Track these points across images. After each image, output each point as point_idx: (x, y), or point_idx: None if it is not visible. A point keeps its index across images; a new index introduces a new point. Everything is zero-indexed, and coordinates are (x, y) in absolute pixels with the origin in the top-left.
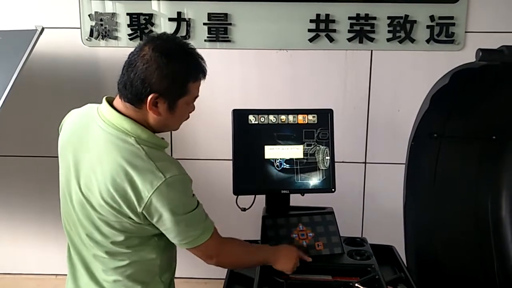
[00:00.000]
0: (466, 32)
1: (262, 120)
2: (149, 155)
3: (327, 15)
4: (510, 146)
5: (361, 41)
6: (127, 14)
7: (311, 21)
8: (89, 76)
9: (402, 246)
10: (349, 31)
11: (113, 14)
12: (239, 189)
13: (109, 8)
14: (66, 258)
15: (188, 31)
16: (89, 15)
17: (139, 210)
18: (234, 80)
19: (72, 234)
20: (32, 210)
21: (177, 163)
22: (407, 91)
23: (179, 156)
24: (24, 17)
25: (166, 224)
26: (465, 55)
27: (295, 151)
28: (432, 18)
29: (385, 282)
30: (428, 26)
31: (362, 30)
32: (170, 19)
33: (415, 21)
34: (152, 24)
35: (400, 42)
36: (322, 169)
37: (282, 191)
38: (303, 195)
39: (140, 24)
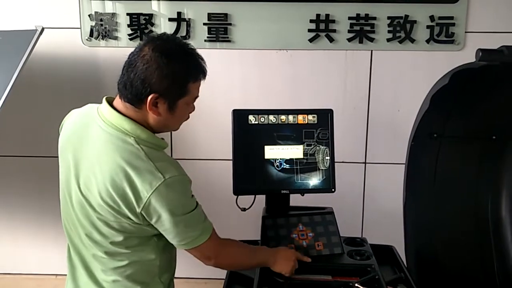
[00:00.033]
0: (466, 32)
1: (262, 120)
2: (149, 156)
3: (327, 15)
4: (510, 146)
5: (361, 41)
6: (127, 14)
7: (311, 21)
8: (89, 76)
9: (402, 246)
10: (349, 31)
11: (113, 14)
12: (239, 189)
13: (109, 8)
14: (66, 258)
15: (188, 31)
16: (89, 15)
17: (138, 210)
18: (234, 80)
19: (71, 234)
20: (32, 210)
21: (177, 163)
22: (407, 91)
23: (179, 156)
24: (24, 17)
25: (165, 224)
26: (465, 55)
27: (295, 151)
28: (432, 18)
29: (385, 282)
30: (428, 26)
31: (362, 30)
32: (170, 19)
33: (415, 21)
34: (152, 24)
35: (400, 42)
36: (322, 169)
37: (282, 191)
38: (303, 195)
39: (140, 24)
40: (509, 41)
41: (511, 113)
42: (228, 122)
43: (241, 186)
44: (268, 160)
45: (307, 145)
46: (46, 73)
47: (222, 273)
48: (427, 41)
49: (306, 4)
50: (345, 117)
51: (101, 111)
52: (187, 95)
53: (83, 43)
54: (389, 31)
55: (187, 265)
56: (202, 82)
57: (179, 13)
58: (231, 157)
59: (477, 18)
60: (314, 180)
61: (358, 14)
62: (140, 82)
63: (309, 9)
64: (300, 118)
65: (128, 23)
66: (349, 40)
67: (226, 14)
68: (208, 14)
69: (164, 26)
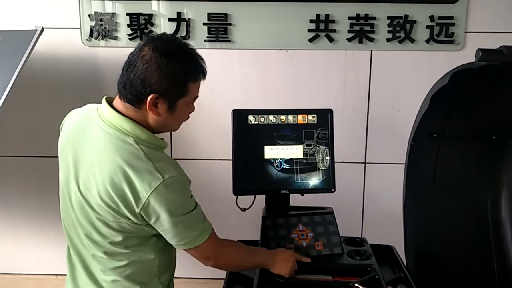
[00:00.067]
0: (466, 32)
1: (262, 120)
2: (148, 156)
3: (327, 15)
4: (510, 146)
5: (361, 41)
6: (127, 14)
7: (311, 21)
8: (89, 76)
9: (402, 246)
10: (349, 31)
11: (113, 14)
12: (239, 189)
13: (109, 8)
14: (65, 258)
15: (188, 31)
16: (89, 15)
17: (137, 210)
18: (234, 80)
19: (71, 234)
20: (32, 210)
21: (176, 164)
22: (407, 91)
23: (179, 156)
24: (24, 17)
25: (164, 225)
26: (465, 55)
27: (295, 151)
28: (432, 18)
29: (385, 282)
30: (428, 26)
31: (362, 30)
32: (170, 19)
33: (415, 21)
34: (152, 24)
35: (400, 42)
36: (322, 169)
37: (282, 191)
38: (303, 195)
39: (140, 24)
40: (509, 41)
41: (511, 113)
42: (228, 122)
43: (241, 186)
44: (268, 160)
45: (307, 145)
46: (46, 73)
47: (222, 273)
48: (427, 41)
49: (306, 4)
50: (345, 117)
51: (101, 111)
52: (187, 95)
53: (83, 43)
54: (389, 31)
55: (187, 265)
56: (202, 82)
57: (179, 13)
58: (231, 157)
59: (477, 18)
60: (314, 180)
61: (358, 14)
62: (140, 82)
63: (309, 9)
64: (300, 118)
65: (128, 23)
66: (349, 40)
67: (226, 14)
68: (208, 14)
69: (164, 26)
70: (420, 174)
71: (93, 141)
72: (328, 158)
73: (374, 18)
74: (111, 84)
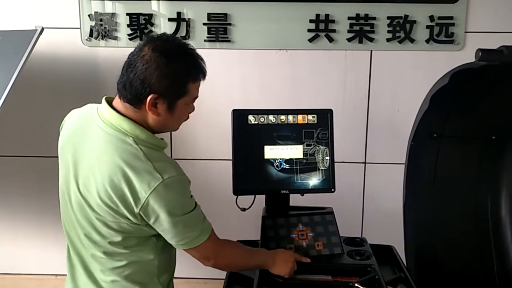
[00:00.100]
0: (465, 32)
1: (262, 120)
2: (147, 156)
3: (327, 15)
4: (510, 146)
5: (360, 41)
6: (127, 14)
7: (311, 21)
8: (89, 76)
9: (402, 246)
10: (348, 31)
11: (113, 14)
12: (239, 189)
13: (109, 8)
14: (65, 258)
15: (187, 31)
16: (89, 15)
17: (136, 210)
18: (234, 80)
19: (71, 234)
20: (32, 210)
21: (176, 164)
22: (406, 91)
23: (179, 156)
24: (24, 17)
25: (164, 225)
26: (465, 55)
27: (295, 151)
28: (431, 18)
29: (385, 282)
30: (427, 26)
31: (361, 30)
32: (170, 19)
33: (414, 21)
34: (152, 24)
35: (400, 42)
36: (321, 169)
37: (282, 191)
38: (302, 195)
39: (140, 24)
40: (508, 41)
41: (511, 113)
42: (228, 122)
43: (241, 186)
44: (268, 160)
45: (307, 145)
46: (46, 73)
47: (222, 274)
48: (427, 41)
49: (306, 4)
50: (345, 117)
51: (100, 111)
52: (187, 95)
53: (83, 43)
54: (388, 31)
55: (187, 265)
56: (201, 82)
57: (178, 13)
58: (231, 157)
59: (477, 18)
60: (314, 180)
61: (357, 14)
62: (139, 82)
63: (309, 9)
64: (300, 118)
65: (128, 23)
66: (349, 40)
67: (226, 14)
68: (208, 14)
69: (163, 26)
70: (420, 174)
71: (92, 141)
72: (328, 158)
73: (374, 18)
74: (111, 84)
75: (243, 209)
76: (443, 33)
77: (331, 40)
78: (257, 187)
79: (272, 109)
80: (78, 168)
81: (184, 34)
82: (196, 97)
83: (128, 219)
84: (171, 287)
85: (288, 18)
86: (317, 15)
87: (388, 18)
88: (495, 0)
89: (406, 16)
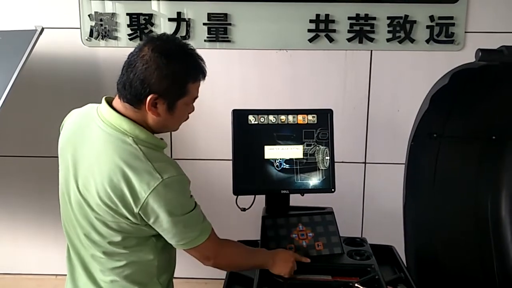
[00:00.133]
0: (465, 32)
1: (262, 120)
2: (147, 156)
3: (327, 15)
4: (510, 146)
5: (360, 41)
6: (127, 14)
7: (311, 21)
8: (89, 76)
9: (402, 246)
10: (348, 31)
11: (113, 14)
12: (239, 189)
13: (109, 8)
14: (65, 258)
15: (188, 31)
16: (89, 15)
17: (136, 210)
18: (234, 80)
19: (71, 234)
20: (32, 210)
21: (175, 164)
22: (406, 91)
23: (179, 157)
24: (24, 17)
25: (163, 225)
26: (465, 55)
27: (295, 151)
28: (431, 18)
29: (385, 282)
30: (428, 26)
31: (361, 30)
32: (170, 19)
33: (414, 21)
34: (152, 24)
35: (400, 42)
36: (322, 169)
37: (282, 191)
38: (303, 195)
39: (140, 24)
40: (509, 41)
41: (511, 113)
42: (228, 122)
43: (241, 186)
44: (268, 160)
45: (307, 145)
46: (46, 73)
47: (222, 273)
48: (427, 41)
49: (306, 4)
50: (345, 117)
51: (100, 111)
52: (187, 95)
53: (83, 43)
54: (388, 31)
55: (187, 265)
56: (201, 82)
57: (179, 13)
58: (231, 157)
59: (477, 18)
60: (314, 180)
61: (357, 14)
62: (139, 82)
63: (309, 9)
64: (300, 118)
65: (128, 23)
66: (349, 40)
67: (226, 14)
68: (208, 14)
69: (164, 26)
70: (420, 174)
71: (92, 141)
72: (328, 158)
73: (374, 18)
74: (111, 84)
75: (243, 209)
76: (443, 33)
77: (331, 40)
78: (257, 187)
79: (272, 109)
80: (78, 168)
81: (184, 34)
82: (196, 97)
83: (128, 219)
84: (171, 287)
85: (288, 18)
86: (317, 15)
87: (388, 18)
88: (495, 0)
89: (406, 16)
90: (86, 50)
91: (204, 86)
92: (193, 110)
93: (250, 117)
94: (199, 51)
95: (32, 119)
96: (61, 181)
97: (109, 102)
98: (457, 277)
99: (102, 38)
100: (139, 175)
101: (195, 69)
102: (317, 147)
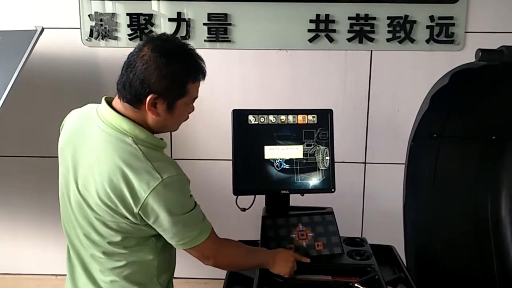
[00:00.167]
0: (466, 32)
1: (262, 120)
2: (147, 156)
3: (327, 15)
4: (510, 146)
5: (360, 41)
6: (127, 14)
7: (311, 21)
8: (89, 76)
9: (402, 246)
10: (348, 31)
11: (113, 14)
12: (239, 189)
13: (109, 8)
14: (65, 258)
15: (188, 31)
16: (89, 15)
17: (136, 210)
18: (234, 80)
19: (71, 235)
20: (32, 210)
21: (175, 163)
22: (406, 91)
23: (179, 157)
24: (24, 17)
25: (163, 224)
26: (465, 55)
27: (295, 151)
28: (432, 18)
29: (385, 282)
30: (428, 26)
31: (362, 30)
32: (170, 19)
33: (414, 21)
34: (152, 25)
35: (400, 42)
36: (322, 169)
37: (282, 191)
38: (303, 195)
39: (140, 24)
40: (508, 41)
41: (511, 113)
42: (228, 122)
43: (241, 186)
44: (268, 160)
45: (307, 145)
46: (46, 73)
47: (222, 273)
48: (427, 41)
49: (306, 4)
50: (345, 117)
51: (100, 111)
52: (186, 95)
53: (83, 43)
54: (389, 31)
55: (187, 265)
56: (201, 82)
57: (179, 13)
58: (231, 157)
59: (477, 18)
60: (314, 180)
61: (358, 14)
62: (139, 82)
63: (309, 9)
64: (300, 118)
65: (128, 23)
66: (349, 40)
67: (226, 14)
68: (208, 14)
69: (164, 26)
70: (420, 174)
71: (92, 141)
72: (328, 158)
73: (374, 18)
74: (111, 84)
75: (243, 209)
76: (443, 33)
77: (331, 40)
78: (257, 187)
79: (272, 109)
80: (78, 168)
81: (184, 34)
82: (196, 97)
83: (128, 219)
84: (171, 287)
85: (288, 18)
86: (317, 15)
87: (388, 18)
88: (495, 0)
89: (406, 16)
90: (86, 50)
91: (204, 86)
92: (193, 110)
93: (250, 117)
94: (199, 51)
95: (32, 119)
96: (61, 181)
97: (109, 102)
98: (457, 277)
99: (102, 38)
100: (138, 175)
101: (195, 69)
102: (317, 147)
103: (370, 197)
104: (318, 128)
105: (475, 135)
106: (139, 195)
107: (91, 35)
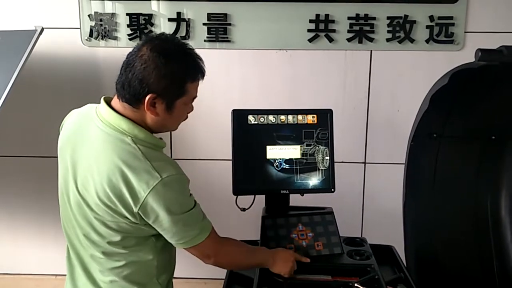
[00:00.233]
0: (465, 32)
1: (262, 120)
2: (146, 155)
3: (327, 15)
4: (509, 146)
5: (360, 41)
6: (127, 14)
7: (311, 21)
8: (89, 76)
9: (402, 246)
10: (348, 31)
11: (113, 14)
12: (238, 189)
13: (108, 8)
14: (65, 258)
15: (187, 31)
16: (88, 15)
17: (135, 210)
18: (233, 80)
19: (70, 235)
20: (32, 210)
21: (175, 163)
22: (406, 91)
23: (179, 157)
24: (24, 17)
25: (163, 224)
26: (465, 55)
27: (295, 151)
28: (431, 18)
29: (385, 282)
30: (427, 26)
31: (361, 30)
32: (170, 19)
33: (414, 21)
34: (152, 24)
35: (400, 42)
36: (321, 169)
37: (282, 191)
38: (302, 195)
39: (140, 24)
40: (508, 41)
41: (511, 113)
42: (228, 122)
43: (240, 186)
44: (268, 160)
45: (307, 145)
46: (46, 73)
47: (222, 273)
48: (427, 41)
49: (306, 4)
50: (345, 117)
51: (99, 111)
52: (185, 95)
53: (82, 43)
54: (388, 31)
55: (187, 265)
56: (200, 82)
57: (178, 13)
58: (231, 157)
59: (477, 18)
60: (313, 180)
61: (357, 14)
62: (138, 82)
63: (309, 9)
64: (300, 118)
65: (128, 23)
66: (349, 40)
67: (225, 14)
68: (208, 14)
69: (163, 26)
70: (420, 174)
71: (91, 141)
72: (328, 158)
73: (374, 18)
74: (111, 84)
75: (243, 209)
76: (443, 33)
77: (331, 40)
78: (257, 187)
79: (272, 109)
80: (77, 168)
81: (184, 34)
82: (195, 97)
83: (127, 218)
84: (171, 287)
85: (288, 18)
86: (317, 15)
87: (388, 18)
88: (495, 0)
89: (406, 16)
90: (86, 50)
91: (204, 86)
92: (192, 110)
93: (250, 117)
94: (199, 51)
95: (32, 119)
96: (61, 181)
97: (108, 102)
98: (457, 277)
99: (102, 38)
100: (138, 174)
101: (193, 69)
102: (317, 147)
103: (370, 197)
104: (318, 128)
105: (475, 135)
106: (139, 194)
107: (91, 35)
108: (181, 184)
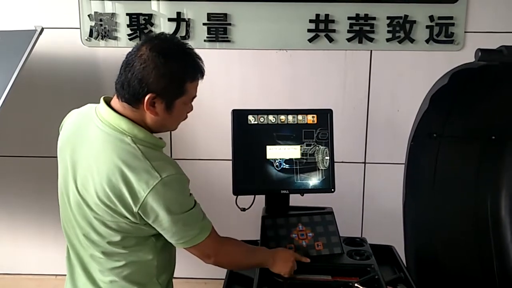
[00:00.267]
0: (465, 32)
1: (262, 120)
2: (146, 155)
3: (327, 15)
4: (509, 146)
5: (360, 41)
6: (127, 14)
7: (311, 21)
8: (89, 76)
9: (402, 246)
10: (348, 31)
11: (113, 14)
12: (238, 189)
13: (108, 8)
14: (65, 258)
15: (187, 31)
16: (88, 15)
17: (135, 210)
18: (233, 80)
19: (70, 235)
20: (32, 210)
21: (174, 163)
22: (406, 91)
23: (179, 157)
24: (24, 17)
25: (163, 224)
26: (465, 55)
27: (295, 151)
28: (431, 18)
29: (385, 282)
30: (427, 26)
31: (361, 30)
32: (170, 19)
33: (414, 21)
34: (152, 24)
35: (400, 42)
36: (321, 169)
37: (282, 191)
38: (302, 195)
39: (140, 24)
40: (508, 41)
41: (511, 113)
42: (228, 122)
43: (240, 186)
44: (268, 160)
45: (307, 145)
46: (46, 73)
47: (222, 273)
48: (427, 41)
49: (306, 4)
50: (345, 117)
51: (98, 111)
52: (185, 95)
53: (82, 43)
54: (388, 31)
55: (187, 265)
56: (200, 82)
57: (178, 13)
58: (231, 157)
59: (477, 18)
60: (313, 180)
61: (357, 14)
62: (137, 81)
63: (309, 9)
64: (300, 118)
65: (128, 23)
66: (349, 40)
67: (225, 14)
68: (208, 14)
69: (163, 26)
70: (420, 174)
71: (91, 141)
72: (327, 158)
73: (374, 18)
74: (110, 84)
75: (243, 209)
76: (443, 33)
77: (331, 40)
78: (257, 187)
79: (272, 109)
80: (77, 168)
81: (184, 34)
82: (194, 96)
83: (127, 218)
84: (171, 287)
85: (288, 18)
86: (317, 15)
87: (388, 18)
88: (495, 0)
89: (406, 16)
90: (86, 50)
91: (203, 86)
92: (191, 110)
93: (250, 117)
94: (198, 51)
95: (32, 119)
96: (60, 181)
97: (108, 102)
98: (457, 277)
99: (102, 38)
100: (137, 174)
101: (193, 68)
102: (317, 147)
103: (370, 197)
104: (318, 128)
105: (475, 135)
106: (138, 194)
107: (90, 35)
108: (181, 183)
